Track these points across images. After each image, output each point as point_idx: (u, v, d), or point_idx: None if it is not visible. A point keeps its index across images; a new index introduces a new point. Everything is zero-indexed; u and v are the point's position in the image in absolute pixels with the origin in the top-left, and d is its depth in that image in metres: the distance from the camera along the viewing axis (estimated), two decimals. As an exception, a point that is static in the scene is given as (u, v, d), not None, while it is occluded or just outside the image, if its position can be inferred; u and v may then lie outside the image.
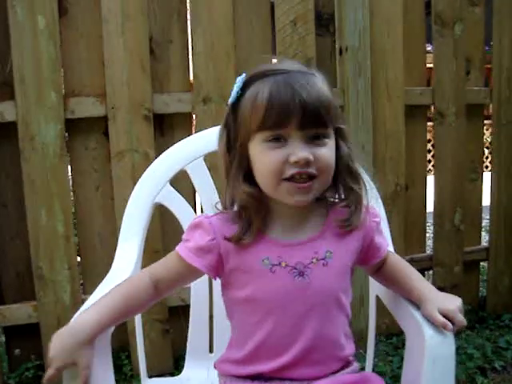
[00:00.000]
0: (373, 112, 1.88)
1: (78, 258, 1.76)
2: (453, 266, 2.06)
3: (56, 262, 1.66)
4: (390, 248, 1.13)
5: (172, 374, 1.81)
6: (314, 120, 0.76)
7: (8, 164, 1.68)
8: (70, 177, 1.73)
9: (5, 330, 1.77)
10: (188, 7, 1.73)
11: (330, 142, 0.79)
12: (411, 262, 1.96)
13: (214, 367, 0.93)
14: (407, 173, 1.98)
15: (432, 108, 2.02)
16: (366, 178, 1.16)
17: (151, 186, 1.16)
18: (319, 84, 0.79)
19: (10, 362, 1.76)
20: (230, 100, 0.81)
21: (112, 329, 0.88)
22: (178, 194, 1.17)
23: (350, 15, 1.81)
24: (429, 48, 2.04)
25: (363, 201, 0.84)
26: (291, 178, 0.76)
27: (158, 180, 1.16)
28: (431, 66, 1.97)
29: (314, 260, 0.82)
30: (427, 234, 2.17)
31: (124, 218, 1.13)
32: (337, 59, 1.87)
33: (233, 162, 0.81)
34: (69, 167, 1.72)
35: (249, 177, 0.81)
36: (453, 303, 0.83)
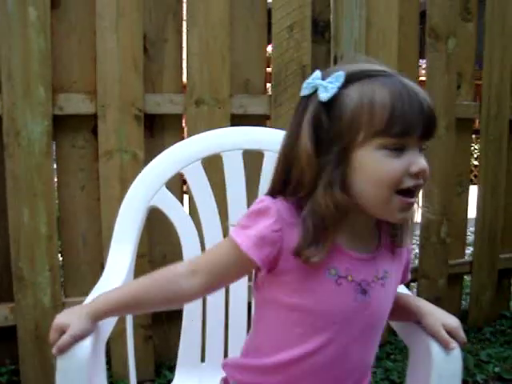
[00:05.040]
0: (365, 122, 1.87)
1: (61, 259, 1.70)
2: (437, 278, 2.07)
3: (37, 263, 1.60)
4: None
5: (153, 382, 1.76)
6: (432, 131, 0.72)
7: (-10, 159, 1.61)
8: (55, 175, 1.68)
9: (-21, 332, 1.70)
10: (184, 7, 1.70)
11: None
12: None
13: (223, 368, 0.86)
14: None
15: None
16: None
17: (146, 189, 1.12)
18: (425, 92, 0.75)
19: (-18, 366, 1.69)
20: (326, 95, 0.71)
21: (105, 341, 0.85)
22: (174, 198, 1.14)
23: (346, 24, 1.81)
24: (420, 62, 2.05)
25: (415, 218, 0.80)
26: (405, 191, 0.71)
27: (154, 182, 1.12)
28: (423, 78, 1.99)
29: (375, 279, 0.77)
30: (413, 246, 2.17)
31: (117, 221, 1.09)
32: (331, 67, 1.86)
33: (325, 166, 0.71)
34: (54, 165, 1.66)
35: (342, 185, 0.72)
36: (454, 319, 0.82)
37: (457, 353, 0.80)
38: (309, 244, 0.71)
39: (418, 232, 2.10)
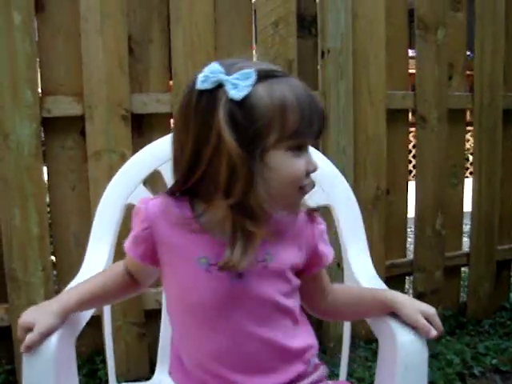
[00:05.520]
0: (354, 115, 1.87)
1: (53, 259, 1.73)
2: (433, 271, 2.06)
3: (30, 264, 1.62)
4: (365, 256, 1.12)
5: (148, 379, 1.78)
6: (322, 131, 0.76)
7: (-18, 163, 1.64)
8: (45, 176, 1.70)
9: (-25, 333, 1.73)
10: (169, 6, 1.71)
11: None
12: (392, 267, 2.00)
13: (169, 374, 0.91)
14: (388, 177, 1.97)
15: (414, 112, 2.02)
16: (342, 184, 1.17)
17: (123, 187, 1.13)
18: None
19: (-21, 366, 1.72)
20: (239, 94, 0.70)
21: (75, 337, 0.86)
22: (151, 195, 1.15)
23: (332, 17, 1.80)
24: (411, 53, 2.03)
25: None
26: (303, 188, 0.75)
27: (131, 180, 1.14)
28: (414, 70, 1.97)
29: (254, 262, 0.77)
30: (408, 239, 2.16)
31: (95, 219, 1.11)
32: (319, 62, 1.86)
33: (252, 165, 0.70)
34: (45, 167, 1.68)
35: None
36: (430, 307, 0.82)
37: (423, 344, 0.80)
38: (241, 253, 0.73)
39: (411, 225, 2.09)
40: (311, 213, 0.83)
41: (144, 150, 1.17)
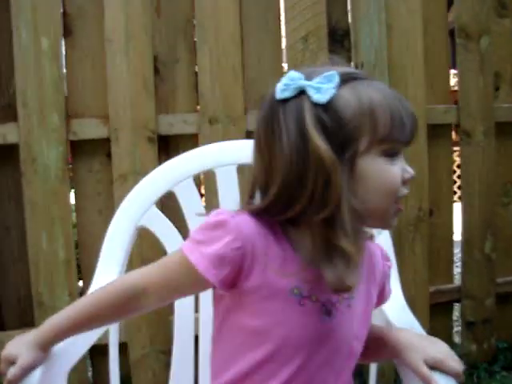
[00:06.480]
0: (392, 131, 1.76)
1: (81, 284, 1.71)
2: (484, 298, 1.89)
3: (56, 288, 1.61)
4: (394, 284, 1.01)
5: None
6: (415, 135, 0.71)
7: (11, 186, 1.65)
8: (73, 200, 1.69)
9: (5, 357, 1.72)
10: (195, 26, 1.68)
11: None
12: (437, 293, 1.85)
13: None
14: (431, 197, 1.84)
15: (457, 127, 1.89)
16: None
17: (135, 208, 1.09)
18: None
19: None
20: (323, 97, 0.65)
21: (67, 370, 0.81)
22: (164, 217, 1.09)
23: (366, 30, 1.72)
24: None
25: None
26: (399, 199, 0.69)
27: (143, 202, 1.09)
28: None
29: (341, 299, 0.69)
30: (455, 264, 2.01)
31: (104, 242, 1.07)
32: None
33: (343, 174, 0.64)
34: (72, 190, 1.68)
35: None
36: (440, 351, 0.71)
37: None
38: (344, 268, 0.64)
39: (458, 248, 1.94)
40: (382, 248, 0.77)
41: (157, 171, 1.12)
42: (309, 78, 0.67)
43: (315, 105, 0.65)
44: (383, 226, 0.73)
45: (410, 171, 0.69)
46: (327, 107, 0.65)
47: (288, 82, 0.67)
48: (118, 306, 0.73)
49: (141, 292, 0.71)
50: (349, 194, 0.64)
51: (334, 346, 0.69)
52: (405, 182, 0.69)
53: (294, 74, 0.68)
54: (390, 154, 0.67)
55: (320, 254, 0.65)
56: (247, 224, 0.67)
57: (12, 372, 0.70)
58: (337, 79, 0.66)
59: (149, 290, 0.71)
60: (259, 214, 0.68)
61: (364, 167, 0.66)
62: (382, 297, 0.78)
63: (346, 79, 0.67)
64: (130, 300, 0.72)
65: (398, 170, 0.67)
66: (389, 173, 0.67)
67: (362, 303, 0.73)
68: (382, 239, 1.03)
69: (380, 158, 0.66)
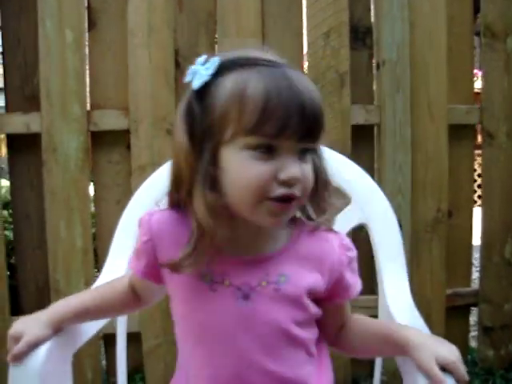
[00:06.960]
0: (412, 131, 1.74)
1: (97, 273, 1.73)
2: (502, 303, 1.85)
3: (73, 277, 1.63)
4: (402, 284, 0.99)
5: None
6: (313, 132, 0.64)
7: (33, 175, 1.69)
8: (92, 190, 1.72)
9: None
10: (216, 20, 1.69)
11: (311, 159, 0.67)
12: (454, 296, 1.82)
13: None
14: (451, 198, 1.81)
15: (480, 128, 1.85)
16: (381, 200, 1.04)
17: (148, 199, 1.10)
18: (314, 86, 0.67)
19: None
20: (197, 83, 0.65)
21: (72, 351, 0.83)
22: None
23: (388, 27, 1.70)
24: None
25: (332, 224, 0.73)
26: (275, 198, 0.64)
27: (156, 193, 1.10)
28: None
29: (264, 283, 0.69)
30: (474, 268, 1.97)
31: (115, 236, 1.09)
32: (374, 74, 1.76)
33: (198, 163, 0.64)
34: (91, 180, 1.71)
35: (213, 185, 0.65)
36: (452, 352, 0.69)
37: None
38: (187, 255, 0.66)
39: (477, 252, 1.90)
40: (343, 238, 0.75)
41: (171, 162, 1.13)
42: (205, 62, 0.67)
43: (193, 90, 0.65)
44: (257, 222, 0.66)
45: (290, 172, 0.62)
46: (201, 94, 0.65)
47: (192, 66, 0.68)
48: (120, 306, 0.82)
49: (130, 291, 0.81)
50: (204, 183, 0.63)
51: (262, 330, 0.69)
52: (284, 183, 0.63)
53: (201, 58, 0.68)
54: (261, 151, 0.62)
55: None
56: (160, 218, 0.72)
57: (17, 347, 0.72)
58: (215, 65, 0.64)
59: (135, 287, 0.81)
60: (173, 207, 0.71)
61: (226, 158, 0.64)
62: (339, 286, 0.74)
63: (234, 65, 0.64)
64: (130, 301, 0.82)
65: (263, 168, 0.62)
66: (248, 169, 0.62)
67: (297, 288, 0.70)
68: (390, 237, 1.02)
69: (244, 151, 0.62)
